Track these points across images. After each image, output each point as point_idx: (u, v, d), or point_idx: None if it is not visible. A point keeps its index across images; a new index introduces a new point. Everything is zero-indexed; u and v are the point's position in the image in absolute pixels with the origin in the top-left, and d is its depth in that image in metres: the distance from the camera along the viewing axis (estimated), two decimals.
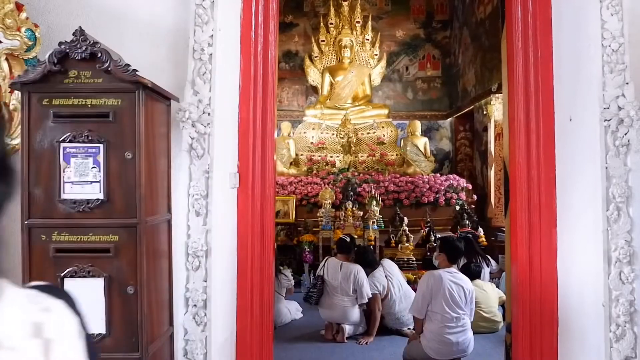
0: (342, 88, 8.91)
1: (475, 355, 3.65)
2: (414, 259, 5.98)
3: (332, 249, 5.64)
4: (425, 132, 9.42)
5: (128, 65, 1.71)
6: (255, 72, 2.37)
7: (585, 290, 2.25)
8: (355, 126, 8.10)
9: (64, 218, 1.72)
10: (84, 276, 1.71)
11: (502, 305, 4.33)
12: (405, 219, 6.37)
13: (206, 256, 2.14)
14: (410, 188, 7.04)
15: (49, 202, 1.72)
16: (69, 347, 0.62)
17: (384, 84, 9.92)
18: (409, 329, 4.28)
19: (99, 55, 1.69)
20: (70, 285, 1.72)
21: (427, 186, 7.05)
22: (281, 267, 4.95)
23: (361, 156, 8.01)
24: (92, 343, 0.68)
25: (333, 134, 8.18)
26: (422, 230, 6.55)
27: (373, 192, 6.64)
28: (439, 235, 5.99)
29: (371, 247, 5.73)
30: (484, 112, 8.05)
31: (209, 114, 2.14)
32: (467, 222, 6.76)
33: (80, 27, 1.72)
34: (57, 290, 0.68)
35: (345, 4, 9.25)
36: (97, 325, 1.72)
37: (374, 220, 6.31)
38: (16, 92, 2.05)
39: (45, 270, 1.72)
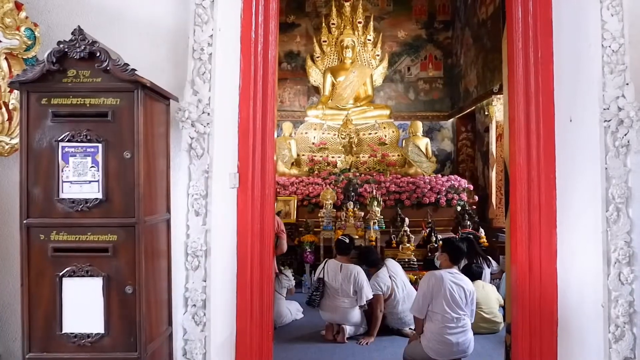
0: (344, 88, 8.91)
1: (476, 356, 3.65)
2: (415, 260, 5.97)
3: (334, 249, 5.64)
4: (427, 133, 9.42)
5: (127, 64, 1.72)
6: (255, 72, 2.38)
7: (584, 291, 2.24)
8: (356, 127, 8.10)
9: (62, 217, 1.73)
10: (83, 276, 1.71)
11: (503, 306, 4.32)
12: (407, 220, 6.37)
13: (205, 256, 2.15)
14: (412, 189, 7.04)
15: (47, 202, 1.73)
16: None
17: (385, 84, 9.92)
18: (410, 329, 4.28)
19: (98, 54, 1.70)
20: (69, 284, 1.72)
21: (429, 187, 7.04)
22: (282, 268, 4.95)
23: (362, 157, 8.00)
24: None
25: (334, 135, 8.18)
26: (423, 231, 6.54)
27: (374, 193, 6.64)
28: (440, 236, 5.98)
29: (374, 247, 5.71)
30: (486, 113, 8.04)
31: (208, 113, 2.14)
32: (469, 222, 6.74)
33: (79, 26, 1.72)
34: None
35: (347, 4, 9.26)
36: (96, 324, 1.72)
37: (375, 220, 6.30)
38: (15, 91, 2.06)
39: (44, 270, 1.72)
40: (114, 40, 1.98)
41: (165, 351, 2.04)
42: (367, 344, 4.15)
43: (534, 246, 2.43)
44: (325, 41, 9.49)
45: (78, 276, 1.71)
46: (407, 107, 10.12)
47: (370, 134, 8.26)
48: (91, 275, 1.72)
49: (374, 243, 6.01)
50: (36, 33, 2.15)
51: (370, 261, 4.61)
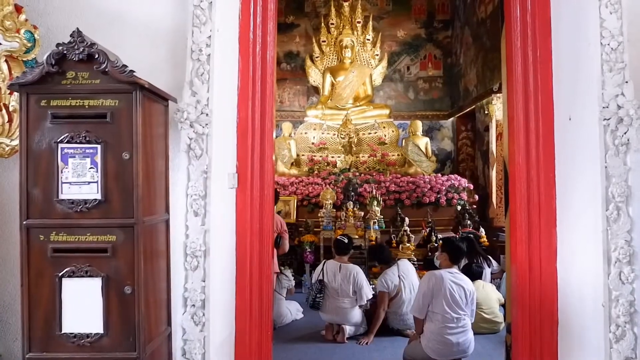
0: (343, 88, 8.92)
1: (476, 356, 3.64)
2: (415, 259, 5.96)
3: (332, 249, 5.63)
4: (427, 132, 9.41)
5: (125, 66, 1.72)
6: (253, 73, 2.38)
7: (585, 290, 2.24)
8: (356, 126, 8.10)
9: (61, 218, 1.73)
10: (82, 276, 1.72)
11: (503, 306, 4.32)
12: (407, 219, 6.36)
13: (204, 256, 2.15)
14: (412, 188, 7.04)
15: (47, 203, 1.73)
16: None
17: (385, 84, 9.92)
18: (410, 330, 4.27)
19: (97, 56, 1.70)
20: (68, 285, 1.72)
21: (429, 186, 7.04)
22: (282, 268, 4.94)
23: (362, 156, 8.01)
24: None
25: (334, 134, 8.18)
26: (424, 231, 6.54)
27: (374, 193, 6.64)
28: (440, 236, 5.98)
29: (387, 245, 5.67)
30: (486, 112, 8.04)
31: (207, 114, 2.15)
32: (469, 222, 6.74)
33: (77, 28, 1.73)
34: None
35: (346, 4, 9.26)
36: (95, 324, 1.72)
37: (375, 220, 6.30)
38: (15, 93, 2.06)
39: (43, 270, 1.73)
40: (113, 42, 1.98)
41: (165, 351, 2.04)
42: (366, 343, 4.15)
43: (534, 245, 2.43)
44: (324, 41, 9.50)
45: (77, 276, 1.72)
46: (407, 106, 10.12)
47: (369, 133, 8.26)
48: (90, 276, 1.72)
49: (373, 243, 6.01)
50: (36, 35, 2.15)
51: (382, 258, 4.61)
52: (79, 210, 1.72)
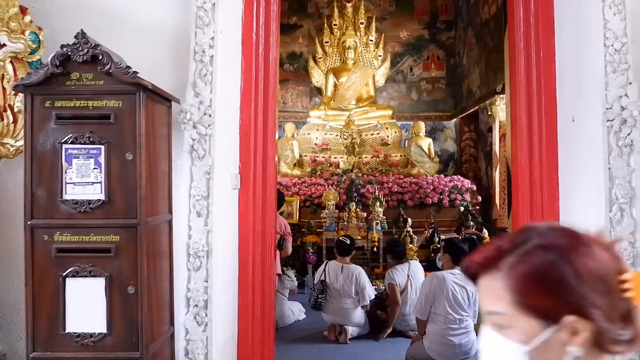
0: (346, 89, 8.92)
1: None
2: (418, 260, 5.95)
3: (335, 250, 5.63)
4: (430, 133, 9.40)
5: (129, 67, 1.73)
6: (256, 74, 2.39)
7: None
8: (359, 127, 8.10)
9: (65, 218, 1.74)
10: (85, 276, 1.73)
11: None
12: (409, 220, 6.36)
13: (207, 256, 2.16)
14: (414, 189, 7.03)
15: (51, 203, 1.74)
16: None
17: (388, 84, 9.91)
18: (412, 331, 4.27)
19: (100, 57, 1.71)
20: (72, 284, 1.73)
21: (431, 187, 7.03)
22: (284, 268, 4.95)
23: (365, 157, 8.00)
24: None
25: (337, 135, 8.19)
26: (426, 232, 6.53)
27: (377, 193, 6.63)
28: (443, 237, 5.96)
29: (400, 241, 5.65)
30: (489, 113, 8.02)
31: (210, 115, 2.15)
32: (472, 223, 6.72)
33: (82, 30, 1.74)
34: None
35: (349, 5, 9.26)
36: (98, 324, 1.73)
37: (378, 221, 6.29)
38: (20, 94, 2.07)
39: (47, 270, 1.74)
40: (117, 43, 1.99)
41: (167, 351, 2.05)
42: (384, 336, 4.26)
43: None
44: (327, 42, 9.50)
45: (81, 276, 1.73)
46: (410, 107, 10.11)
47: (372, 134, 8.26)
48: (94, 276, 1.73)
49: (376, 244, 6.00)
50: (40, 37, 2.16)
51: (396, 252, 4.62)
52: (82, 210, 1.73)
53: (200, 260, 2.14)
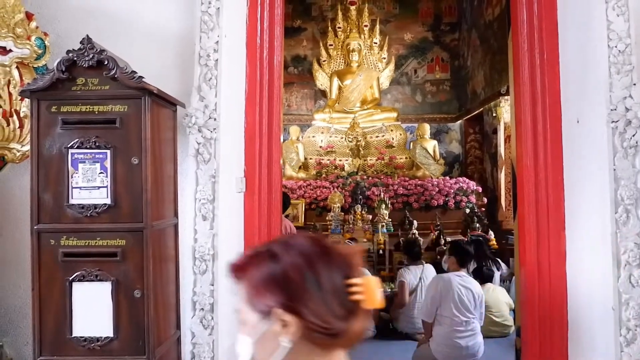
0: (351, 92, 8.92)
1: None
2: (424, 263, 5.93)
3: None
4: (435, 135, 9.37)
5: (134, 72, 1.74)
6: (261, 77, 2.39)
7: (594, 293, 2.22)
8: (364, 129, 8.10)
9: (72, 223, 1.76)
10: (92, 280, 1.74)
11: (514, 310, 4.28)
12: (415, 223, 6.34)
13: (213, 260, 2.16)
14: (420, 191, 7.01)
15: (57, 207, 1.76)
16: None
17: (392, 87, 9.90)
18: (420, 334, 4.25)
19: (106, 62, 1.73)
20: (79, 289, 1.74)
21: (437, 189, 7.01)
22: None
23: (370, 159, 8.00)
24: None
25: (342, 138, 8.19)
26: (432, 234, 6.51)
27: (382, 196, 6.62)
28: (448, 239, 5.94)
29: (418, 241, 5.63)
30: (494, 115, 8.00)
31: (215, 119, 2.16)
32: (477, 225, 6.70)
33: (87, 35, 1.76)
34: None
35: (352, 8, 9.27)
36: (105, 328, 1.74)
37: (383, 223, 6.28)
38: (26, 99, 2.10)
39: (54, 275, 1.75)
40: (122, 48, 2.01)
41: (174, 355, 2.06)
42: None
43: (542, 248, 2.41)
44: (331, 45, 9.51)
45: (87, 280, 1.74)
46: (414, 109, 10.10)
47: (377, 136, 8.25)
48: (100, 280, 1.74)
49: (382, 246, 5.99)
50: (46, 42, 2.19)
51: (413, 252, 4.61)
52: (89, 214, 1.75)
53: (206, 264, 2.15)
